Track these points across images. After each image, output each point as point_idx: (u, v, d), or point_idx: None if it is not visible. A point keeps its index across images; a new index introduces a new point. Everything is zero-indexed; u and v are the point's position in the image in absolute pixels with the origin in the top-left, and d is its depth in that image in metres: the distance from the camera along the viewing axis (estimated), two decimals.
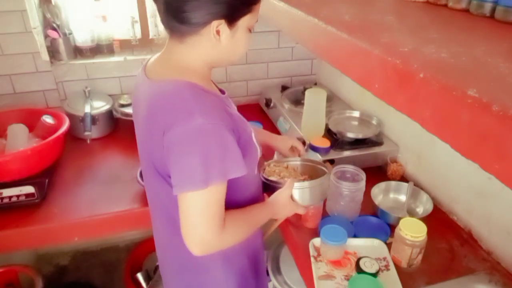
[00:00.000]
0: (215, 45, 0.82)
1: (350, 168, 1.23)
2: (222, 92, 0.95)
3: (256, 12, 0.85)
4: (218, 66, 0.90)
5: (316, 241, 1.10)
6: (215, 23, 0.79)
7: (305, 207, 1.06)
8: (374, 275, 0.97)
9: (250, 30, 0.86)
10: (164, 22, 0.83)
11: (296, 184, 1.03)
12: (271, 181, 1.07)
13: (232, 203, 0.88)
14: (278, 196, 1.02)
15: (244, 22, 0.83)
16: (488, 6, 0.75)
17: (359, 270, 0.99)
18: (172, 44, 0.85)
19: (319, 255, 1.07)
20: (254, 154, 0.93)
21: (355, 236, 1.13)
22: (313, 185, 1.05)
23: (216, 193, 0.79)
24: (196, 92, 0.80)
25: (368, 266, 1.00)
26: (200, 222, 0.79)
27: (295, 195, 1.04)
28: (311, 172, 1.17)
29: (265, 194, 1.09)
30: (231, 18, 0.80)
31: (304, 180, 1.13)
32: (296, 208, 1.04)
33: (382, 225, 1.18)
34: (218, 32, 0.80)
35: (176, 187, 0.78)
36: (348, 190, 1.16)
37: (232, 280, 1.00)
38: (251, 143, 0.90)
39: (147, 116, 0.83)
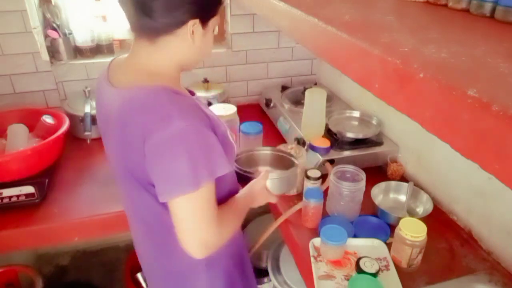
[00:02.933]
0: (189, 45, 0.82)
1: (350, 168, 1.23)
2: (192, 94, 0.95)
3: (219, 13, 0.86)
4: (186, 69, 0.89)
5: (316, 241, 1.10)
6: (191, 22, 0.78)
7: (277, 196, 1.11)
8: (374, 275, 0.97)
9: (214, 31, 0.87)
10: (133, 21, 0.80)
11: (270, 175, 1.08)
12: (245, 171, 1.11)
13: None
14: (254, 185, 1.04)
15: (213, 22, 0.84)
16: (488, 6, 0.74)
17: (359, 270, 0.99)
18: (140, 45, 0.83)
19: (319, 255, 1.07)
20: (232, 151, 0.94)
21: (355, 236, 1.13)
22: (285, 175, 1.12)
23: (207, 192, 0.79)
24: (171, 95, 0.78)
25: (368, 266, 1.00)
26: (197, 225, 0.79)
27: (268, 185, 1.08)
28: (280, 162, 1.23)
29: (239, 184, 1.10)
30: (205, 17, 0.80)
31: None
32: (269, 197, 1.08)
33: (382, 225, 1.18)
34: (193, 32, 0.80)
35: (165, 193, 0.77)
36: (348, 190, 1.17)
37: (218, 284, 0.99)
38: (227, 141, 0.91)
39: (120, 126, 0.80)
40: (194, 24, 0.79)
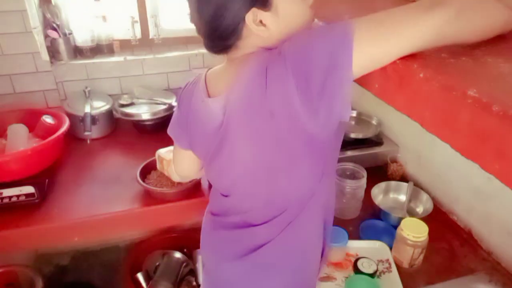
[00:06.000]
0: (269, 36, 0.67)
1: (350, 165, 1.24)
2: None
3: None
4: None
5: None
6: (249, 16, 0.64)
7: None
8: (372, 275, 0.97)
9: None
10: (215, 49, 0.75)
11: None
12: None
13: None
14: None
15: None
16: None
17: (357, 271, 0.99)
18: (231, 54, 0.76)
19: None
20: None
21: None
22: None
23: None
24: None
25: (366, 266, 1.00)
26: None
27: None
28: None
29: None
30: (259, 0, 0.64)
31: None
32: None
33: (388, 228, 1.17)
34: (261, 22, 0.65)
35: (346, 44, 0.58)
36: (350, 187, 1.17)
37: None
38: None
39: (255, 110, 0.66)
40: (255, 16, 0.64)
